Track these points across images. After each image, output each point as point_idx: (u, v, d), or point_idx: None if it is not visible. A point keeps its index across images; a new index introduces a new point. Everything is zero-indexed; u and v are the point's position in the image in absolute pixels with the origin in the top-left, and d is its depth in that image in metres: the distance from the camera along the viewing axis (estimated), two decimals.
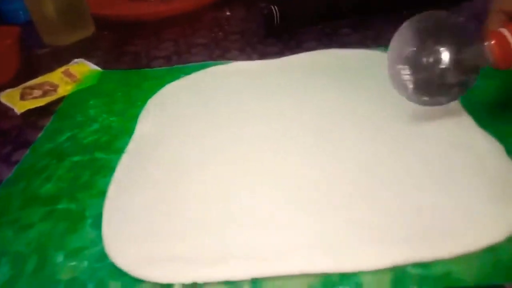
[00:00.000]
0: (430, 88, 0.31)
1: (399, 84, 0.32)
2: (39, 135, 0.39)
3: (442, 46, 0.30)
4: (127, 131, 0.37)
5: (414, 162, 0.30)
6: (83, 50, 0.55)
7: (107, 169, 0.33)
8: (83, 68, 0.49)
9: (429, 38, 0.30)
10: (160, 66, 0.49)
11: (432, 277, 0.22)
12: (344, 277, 0.23)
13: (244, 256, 0.24)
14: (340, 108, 0.36)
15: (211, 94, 0.41)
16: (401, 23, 0.42)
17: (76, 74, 0.47)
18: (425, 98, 0.32)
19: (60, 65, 0.50)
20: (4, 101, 0.44)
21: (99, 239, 0.27)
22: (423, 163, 0.29)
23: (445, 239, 0.24)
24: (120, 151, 0.35)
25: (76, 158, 0.35)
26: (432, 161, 0.29)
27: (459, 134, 0.32)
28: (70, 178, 0.33)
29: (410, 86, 0.31)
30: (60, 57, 0.53)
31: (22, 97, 0.44)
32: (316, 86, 0.40)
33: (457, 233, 0.24)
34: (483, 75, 0.39)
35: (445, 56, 0.30)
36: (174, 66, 0.48)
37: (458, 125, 0.33)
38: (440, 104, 0.32)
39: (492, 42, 0.27)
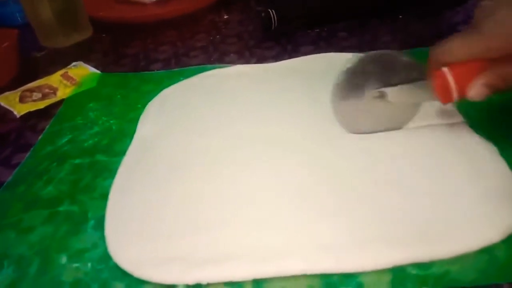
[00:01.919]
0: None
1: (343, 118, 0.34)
2: (39, 138, 0.39)
3: (386, 83, 0.32)
4: (127, 134, 0.37)
5: (412, 164, 0.30)
6: (82, 52, 0.56)
7: (108, 172, 0.33)
8: (82, 71, 0.49)
9: (373, 75, 0.32)
10: (158, 69, 0.49)
11: (431, 277, 0.23)
12: (345, 277, 0.23)
13: (247, 257, 0.25)
14: None
15: (210, 97, 0.41)
16: (397, 26, 0.42)
17: (75, 77, 0.48)
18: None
19: (59, 68, 0.50)
20: (3, 104, 0.44)
21: (102, 240, 0.27)
22: (420, 166, 0.30)
23: (443, 240, 0.24)
24: (120, 153, 0.35)
25: (77, 161, 0.35)
26: (429, 163, 0.30)
27: (454, 137, 0.32)
28: (71, 180, 0.33)
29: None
30: (59, 59, 0.53)
31: (21, 100, 0.44)
32: (314, 90, 0.40)
33: (455, 234, 0.25)
34: None
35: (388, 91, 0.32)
36: (173, 70, 0.48)
37: (453, 128, 0.33)
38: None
39: (434, 81, 0.29)
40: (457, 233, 0.25)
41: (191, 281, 0.24)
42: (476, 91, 0.28)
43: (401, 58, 0.32)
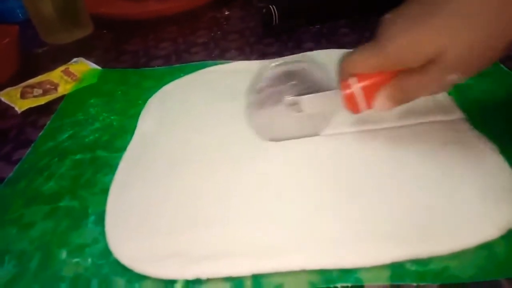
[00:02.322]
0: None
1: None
2: (40, 133, 0.39)
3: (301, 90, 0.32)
4: (128, 130, 0.37)
5: (411, 161, 0.30)
6: (82, 49, 0.56)
7: (109, 167, 0.33)
8: (83, 67, 0.49)
9: (289, 83, 0.32)
10: (159, 66, 0.49)
11: (429, 273, 0.23)
12: (344, 273, 0.24)
13: (246, 253, 0.25)
14: None
15: (211, 93, 0.41)
16: None
17: (76, 73, 0.48)
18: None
19: (60, 64, 0.50)
20: (4, 100, 0.44)
21: (102, 236, 0.27)
22: (419, 163, 0.30)
23: (442, 236, 0.24)
24: (121, 149, 0.35)
25: (77, 157, 0.35)
26: (428, 160, 0.30)
27: (454, 134, 0.32)
28: (72, 176, 0.33)
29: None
30: (59, 55, 0.53)
31: (23, 95, 0.44)
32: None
33: (453, 230, 0.25)
34: (478, 75, 0.40)
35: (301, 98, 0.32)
36: (173, 66, 0.48)
37: (454, 125, 0.33)
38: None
39: (342, 92, 0.29)
40: (456, 229, 0.25)
41: (191, 276, 0.24)
42: (379, 103, 0.28)
43: (316, 66, 0.32)
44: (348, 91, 0.29)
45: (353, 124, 0.34)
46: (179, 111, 0.39)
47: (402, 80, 0.27)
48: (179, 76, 0.45)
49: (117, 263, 0.25)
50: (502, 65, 0.41)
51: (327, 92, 0.30)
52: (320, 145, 0.33)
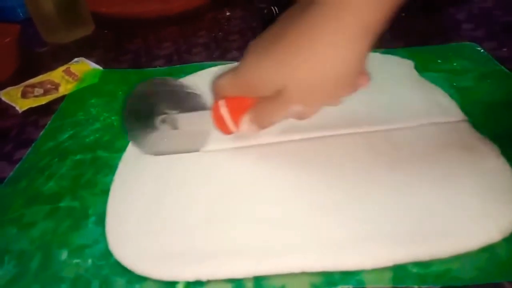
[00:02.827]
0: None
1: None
2: (41, 133, 0.39)
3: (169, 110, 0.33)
4: None
5: (413, 162, 0.30)
6: (83, 48, 0.56)
7: (109, 168, 0.33)
8: (84, 67, 0.49)
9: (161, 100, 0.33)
10: (160, 66, 0.49)
11: (431, 276, 0.23)
12: (346, 275, 0.24)
13: (247, 254, 0.25)
14: (338, 107, 0.37)
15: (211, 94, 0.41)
16: (399, 23, 0.43)
17: (77, 72, 0.48)
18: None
19: (61, 64, 0.50)
20: (5, 99, 0.44)
21: (102, 236, 0.27)
22: (420, 164, 0.30)
23: (444, 239, 0.24)
24: (122, 149, 0.35)
25: (78, 157, 0.35)
26: (430, 162, 0.30)
27: (456, 136, 0.32)
28: (72, 176, 0.33)
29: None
30: (60, 55, 0.53)
31: (23, 95, 0.44)
32: None
33: (456, 233, 0.25)
34: (479, 77, 0.40)
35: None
36: (174, 66, 0.48)
37: (456, 127, 0.33)
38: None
39: (212, 113, 0.30)
40: (458, 231, 0.25)
41: (192, 277, 0.24)
42: (243, 126, 0.30)
43: (184, 86, 0.33)
44: (215, 112, 0.30)
45: (355, 124, 0.34)
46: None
47: (259, 106, 0.28)
48: (179, 77, 0.45)
49: (117, 264, 0.25)
50: (503, 67, 0.41)
51: (201, 112, 0.32)
52: (320, 146, 0.33)
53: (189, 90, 0.33)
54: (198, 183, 0.31)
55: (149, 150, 0.34)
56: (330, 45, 0.24)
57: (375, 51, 0.46)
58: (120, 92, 0.44)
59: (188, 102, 0.33)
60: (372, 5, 0.24)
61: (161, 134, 0.33)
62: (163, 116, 0.33)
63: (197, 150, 0.33)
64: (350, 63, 0.25)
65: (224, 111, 0.29)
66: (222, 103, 0.30)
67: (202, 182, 0.31)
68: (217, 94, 0.30)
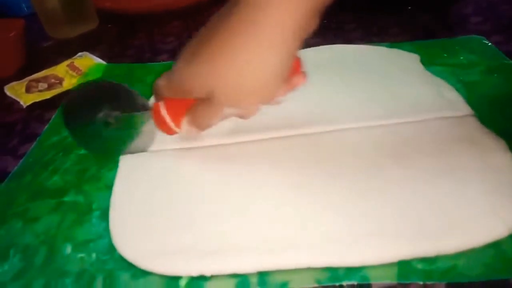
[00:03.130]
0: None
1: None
2: (45, 128, 0.39)
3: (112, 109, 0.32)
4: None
5: (419, 158, 0.30)
6: (87, 43, 0.55)
7: (113, 163, 0.33)
8: (88, 62, 0.49)
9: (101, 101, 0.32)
10: (164, 60, 0.49)
11: (437, 272, 0.23)
12: (350, 271, 0.23)
13: (251, 249, 0.25)
14: (345, 101, 0.37)
15: None
16: (405, 18, 0.42)
17: (81, 67, 0.47)
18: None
19: (65, 58, 0.50)
20: (9, 94, 0.44)
21: (107, 231, 0.27)
22: (426, 160, 0.30)
23: (450, 235, 0.24)
24: None
25: (82, 151, 0.35)
26: (435, 157, 0.30)
27: (462, 131, 0.32)
28: (76, 171, 0.33)
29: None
30: (65, 50, 0.53)
31: (28, 90, 0.44)
32: (322, 80, 0.40)
33: (462, 229, 0.24)
34: (486, 71, 0.39)
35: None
36: None
37: (462, 122, 0.33)
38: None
39: (153, 114, 0.30)
40: (464, 227, 0.25)
41: (195, 272, 0.24)
42: (183, 127, 0.29)
43: (124, 87, 0.33)
44: (156, 113, 0.30)
45: (361, 119, 0.34)
46: None
47: (194, 109, 0.28)
48: None
49: (121, 259, 0.25)
50: (510, 61, 0.40)
51: (144, 112, 0.31)
52: (326, 141, 0.32)
53: (129, 90, 0.33)
54: (204, 179, 0.30)
55: (95, 150, 0.34)
56: (253, 48, 0.24)
57: (380, 45, 0.45)
58: None
59: (129, 103, 0.32)
60: (292, 5, 0.23)
61: (103, 135, 0.33)
62: (101, 116, 0.32)
63: (144, 151, 0.33)
64: (276, 64, 0.25)
65: (164, 112, 0.29)
66: (162, 105, 0.29)
67: (208, 178, 0.30)
68: (156, 95, 0.30)
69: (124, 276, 0.25)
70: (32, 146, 0.36)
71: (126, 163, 0.33)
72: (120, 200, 0.29)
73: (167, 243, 0.26)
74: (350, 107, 0.36)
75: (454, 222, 0.25)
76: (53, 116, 0.40)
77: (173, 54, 0.50)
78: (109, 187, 0.31)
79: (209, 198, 0.29)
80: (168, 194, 0.29)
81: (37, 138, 0.37)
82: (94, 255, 0.26)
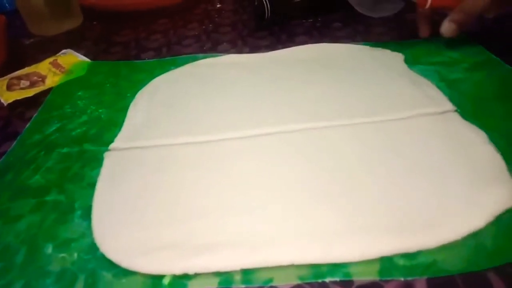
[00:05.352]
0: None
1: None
2: (26, 126, 0.38)
3: None
4: (116, 123, 0.37)
5: (400, 153, 0.30)
6: (72, 40, 0.55)
7: (96, 161, 0.33)
8: (71, 59, 0.48)
9: None
10: (150, 58, 0.48)
11: (418, 267, 0.23)
12: (333, 267, 0.23)
13: (235, 247, 0.24)
14: (330, 99, 0.37)
15: (201, 86, 0.41)
16: (390, 17, 0.43)
17: (64, 65, 0.47)
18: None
19: (48, 56, 0.49)
20: None
21: (89, 230, 0.27)
22: (408, 155, 0.30)
23: (429, 229, 0.24)
24: (109, 143, 0.34)
25: (64, 150, 0.34)
26: (417, 152, 0.30)
27: (444, 126, 0.32)
28: (59, 169, 0.33)
29: None
30: (48, 47, 0.52)
31: (9, 87, 0.43)
32: (308, 79, 0.40)
33: (440, 222, 0.25)
34: (470, 68, 0.40)
35: None
36: (164, 58, 0.48)
37: (444, 117, 0.33)
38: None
39: None
40: (444, 220, 0.25)
41: (179, 271, 0.24)
42: (445, 27, 0.39)
43: None
44: None
45: (346, 116, 0.34)
46: (168, 104, 0.39)
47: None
48: (169, 69, 0.44)
49: (104, 258, 0.25)
50: (494, 57, 0.41)
51: None
52: (311, 138, 0.33)
53: None
54: (186, 176, 0.30)
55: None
56: None
57: (365, 44, 0.45)
58: (108, 85, 0.43)
59: None
60: None
61: None
62: None
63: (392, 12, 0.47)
64: None
65: None
66: None
67: (191, 175, 0.30)
68: None
69: (107, 276, 0.24)
70: (13, 144, 0.36)
71: (111, 159, 0.33)
72: (102, 198, 0.29)
73: (150, 242, 0.25)
74: (333, 104, 0.36)
75: (435, 216, 0.25)
76: (35, 114, 0.40)
77: (159, 52, 0.50)
78: (92, 186, 0.30)
79: (192, 196, 0.28)
80: (151, 192, 0.29)
81: (18, 137, 0.37)
82: (76, 255, 0.26)
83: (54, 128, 0.37)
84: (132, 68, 0.46)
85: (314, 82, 0.40)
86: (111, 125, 0.37)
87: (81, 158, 0.33)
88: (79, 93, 0.42)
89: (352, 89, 0.38)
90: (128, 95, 0.41)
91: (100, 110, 0.39)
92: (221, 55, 0.46)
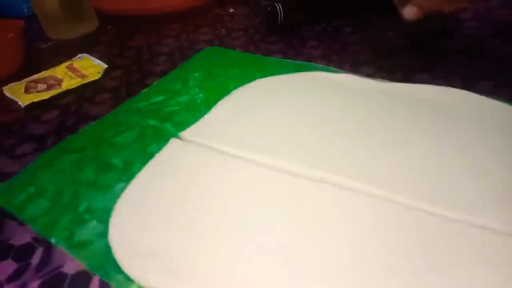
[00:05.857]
0: None
1: None
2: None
3: None
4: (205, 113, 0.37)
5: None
6: (87, 44, 0.56)
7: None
8: (87, 63, 0.49)
9: None
10: (162, 63, 0.49)
11: None
12: None
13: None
14: (432, 172, 0.29)
15: (297, 103, 0.37)
16: (402, 22, 0.43)
17: (79, 68, 0.48)
18: None
19: (64, 60, 0.50)
20: (8, 94, 0.44)
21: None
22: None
23: None
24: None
25: (152, 122, 0.37)
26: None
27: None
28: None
29: None
30: (64, 51, 0.53)
31: (27, 90, 0.44)
32: (414, 134, 0.32)
33: None
34: None
35: None
36: (288, 60, 0.46)
37: None
38: None
39: None
40: None
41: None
42: (408, 10, 0.37)
43: None
44: None
45: (444, 207, 0.26)
46: (254, 112, 0.36)
47: None
48: (283, 72, 0.42)
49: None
50: None
51: None
52: (388, 213, 0.26)
53: None
54: (229, 195, 0.28)
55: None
56: None
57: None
58: (222, 72, 0.43)
59: None
60: None
61: None
62: None
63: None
64: None
65: None
66: None
67: (235, 198, 0.28)
68: None
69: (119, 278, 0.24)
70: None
71: (172, 147, 0.33)
72: (129, 198, 0.29)
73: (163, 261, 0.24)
74: (433, 179, 0.28)
75: None
76: (52, 117, 0.40)
77: (172, 57, 0.50)
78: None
79: (229, 224, 0.26)
80: (184, 199, 0.28)
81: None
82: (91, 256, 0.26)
83: (160, 98, 0.40)
84: (253, 61, 0.45)
85: (419, 140, 0.31)
86: (201, 111, 0.37)
87: (158, 135, 0.35)
88: (196, 74, 0.44)
89: (470, 169, 0.28)
90: (231, 88, 0.40)
91: (201, 95, 0.40)
92: (337, 71, 0.42)
